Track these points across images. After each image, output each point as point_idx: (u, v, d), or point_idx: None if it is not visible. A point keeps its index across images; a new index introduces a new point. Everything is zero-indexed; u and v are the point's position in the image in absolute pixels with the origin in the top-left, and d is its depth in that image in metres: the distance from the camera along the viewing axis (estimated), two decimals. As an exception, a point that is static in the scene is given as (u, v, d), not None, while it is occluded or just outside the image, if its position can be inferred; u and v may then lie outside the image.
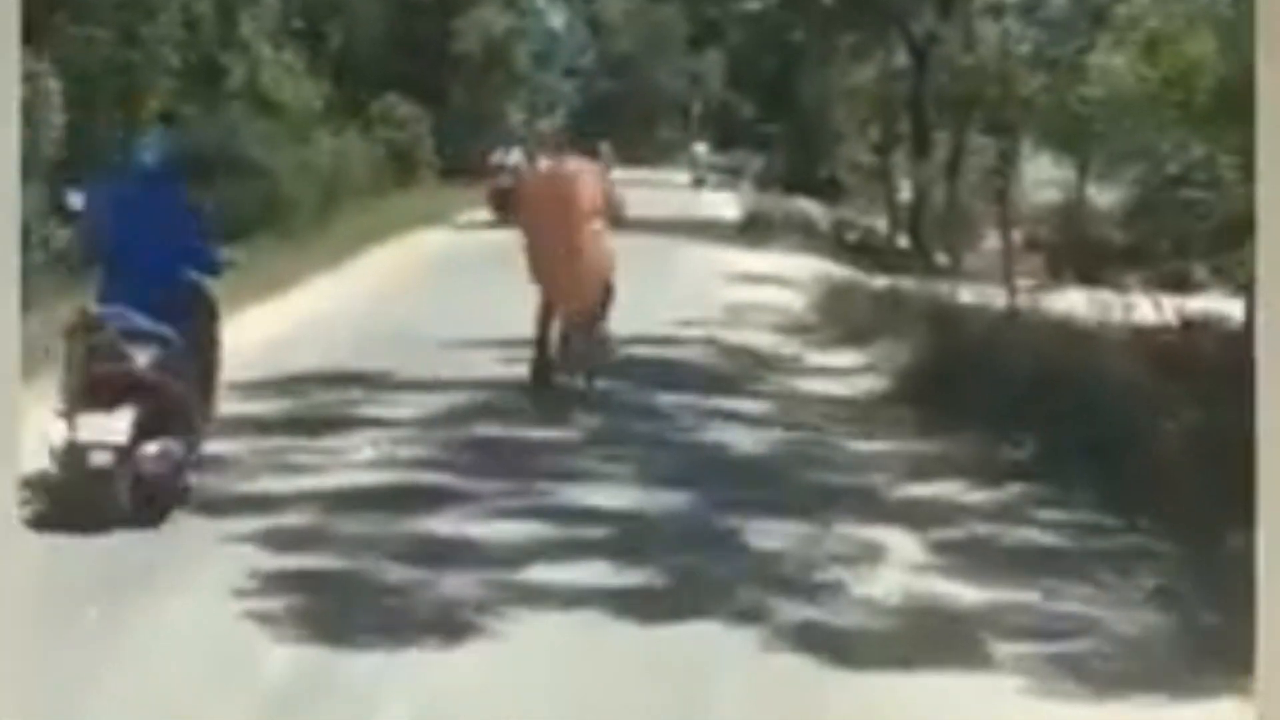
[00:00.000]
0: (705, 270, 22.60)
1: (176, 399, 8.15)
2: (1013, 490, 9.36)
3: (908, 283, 21.78)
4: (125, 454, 7.73)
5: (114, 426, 7.78)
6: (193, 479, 8.28)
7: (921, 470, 9.92)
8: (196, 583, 6.89)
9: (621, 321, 16.12)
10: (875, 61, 36.78)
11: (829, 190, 42.15)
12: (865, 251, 29.33)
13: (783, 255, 26.55)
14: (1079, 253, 33.36)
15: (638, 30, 72.68)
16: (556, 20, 66.77)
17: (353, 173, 37.61)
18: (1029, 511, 8.88)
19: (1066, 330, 16.61)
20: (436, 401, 11.54)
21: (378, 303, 18.46)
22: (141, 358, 8.07)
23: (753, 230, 31.47)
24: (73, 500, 7.63)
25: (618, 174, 45.79)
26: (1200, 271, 32.51)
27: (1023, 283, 29.24)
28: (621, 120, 69.83)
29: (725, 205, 41.16)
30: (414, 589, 6.84)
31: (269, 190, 34.20)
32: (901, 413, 11.95)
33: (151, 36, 29.25)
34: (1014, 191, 42.00)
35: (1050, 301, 19.94)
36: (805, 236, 30.53)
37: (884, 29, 32.11)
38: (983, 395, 11.54)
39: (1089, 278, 32.19)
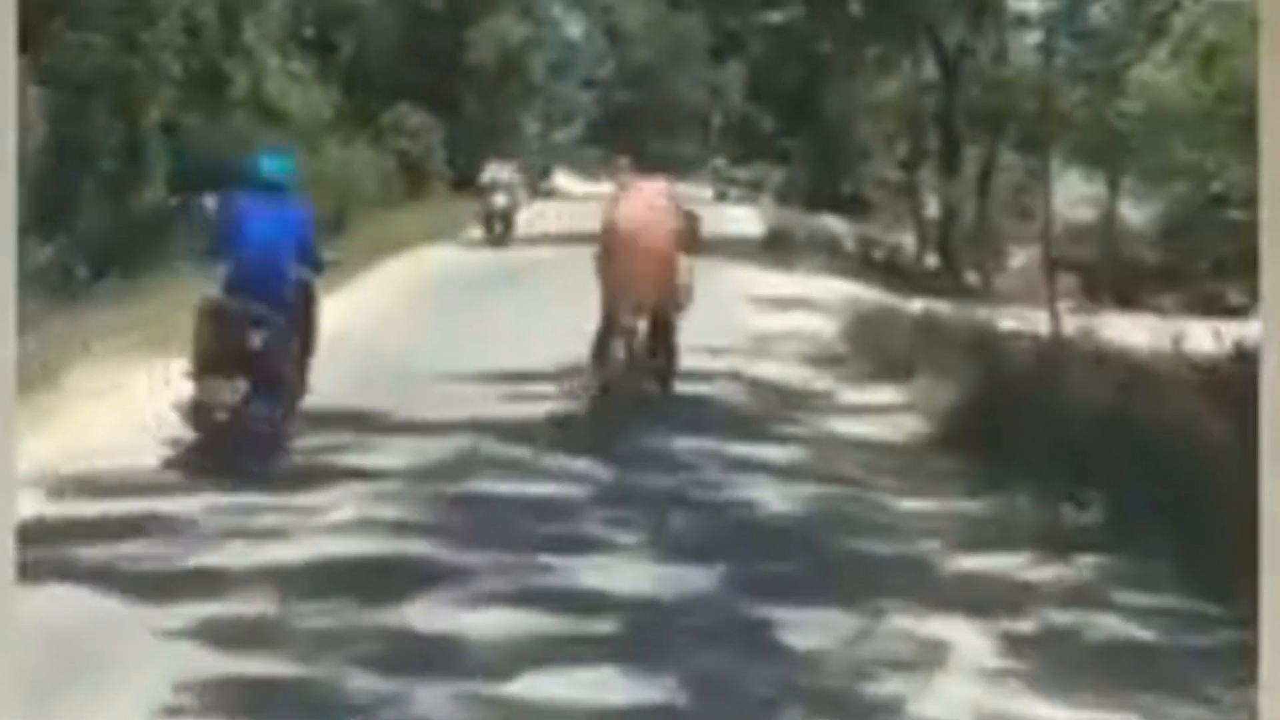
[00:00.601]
0: (728, 292, 21.30)
1: (279, 373, 10.04)
2: (1084, 564, 8.11)
3: (942, 307, 20.59)
4: (237, 413, 9.78)
5: (230, 391, 9.81)
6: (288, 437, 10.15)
7: (977, 537, 8.67)
8: (116, 689, 5.66)
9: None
10: (902, 74, 35.55)
11: (853, 206, 40.91)
12: (893, 271, 28.10)
13: (808, 275, 25.33)
14: (1114, 273, 32.11)
15: (658, 40, 71.45)
16: (574, 30, 65.57)
17: (362, 184, 36.45)
18: (1107, 593, 7.62)
19: (1119, 362, 15.40)
20: (433, 448, 10.33)
21: (378, 328, 17.27)
22: (255, 338, 9.93)
23: (776, 248, 30.27)
24: (194, 449, 9.73)
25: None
26: (1235, 294, 31.26)
27: (1059, 305, 28.10)
28: (640, 132, 68.65)
29: (747, 221, 39.95)
30: (379, 706, 5.61)
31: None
32: (948, 463, 10.71)
33: (152, 43, 28.16)
34: (1045, 209, 40.75)
35: (1094, 326, 18.71)
36: (830, 255, 29.33)
37: (913, 40, 30.88)
38: (1038, 442, 10.30)
39: (1126, 299, 30.93)
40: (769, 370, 14.55)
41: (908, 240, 38.58)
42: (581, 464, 10.04)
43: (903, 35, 31.49)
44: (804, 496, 9.41)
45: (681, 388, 13.02)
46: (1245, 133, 18.76)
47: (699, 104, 73.06)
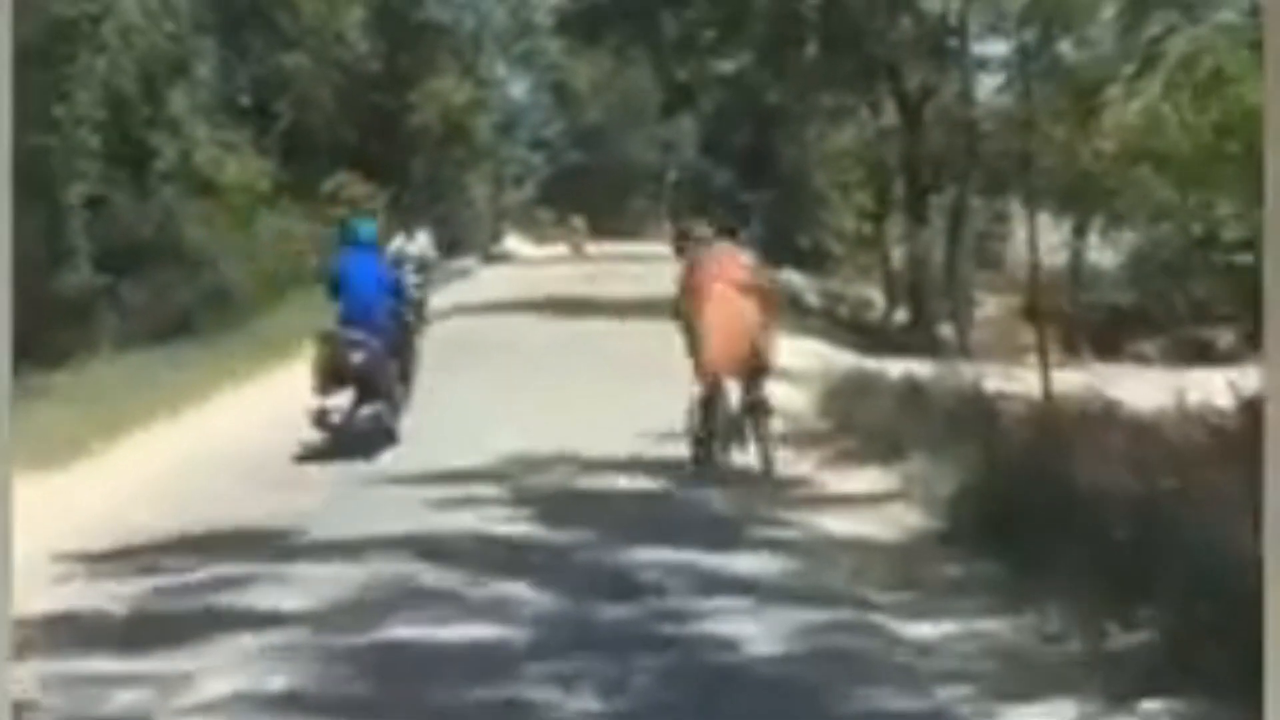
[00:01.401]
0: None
1: (378, 385, 13.11)
2: (1153, 714, 6.47)
3: (921, 370, 19.04)
4: (348, 416, 13.05)
5: (341, 400, 12.99)
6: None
7: (1013, 676, 7.03)
8: None
9: (591, 437, 13.43)
10: (858, 121, 34.14)
11: (814, 260, 39.39)
12: (862, 329, 26.53)
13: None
14: (1090, 321, 30.64)
15: (606, 99, 70.17)
16: (519, 90, 64.06)
17: (300, 258, 34.75)
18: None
19: (1126, 426, 13.86)
20: (352, 577, 8.64)
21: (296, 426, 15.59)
22: (356, 357, 13.02)
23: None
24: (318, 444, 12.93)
25: (592, 248, 43.20)
26: (1225, 339, 29.77)
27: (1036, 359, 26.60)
28: (593, 192, 67.35)
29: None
30: None
31: (208, 279, 31.47)
32: (958, 568, 9.08)
33: (67, 118, 26.56)
34: (1008, 255, 39.36)
35: (1089, 383, 17.24)
36: (794, 312, 27.74)
37: (871, 84, 29.42)
38: (1060, 538, 8.70)
39: (1104, 348, 29.44)
40: (739, 454, 12.85)
41: (873, 294, 37.09)
42: (524, 590, 8.36)
43: (861, 79, 30.05)
44: (794, 628, 7.72)
45: (639, 484, 11.41)
46: (1240, 169, 17.23)
47: (651, 161, 71.77)
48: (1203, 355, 27.66)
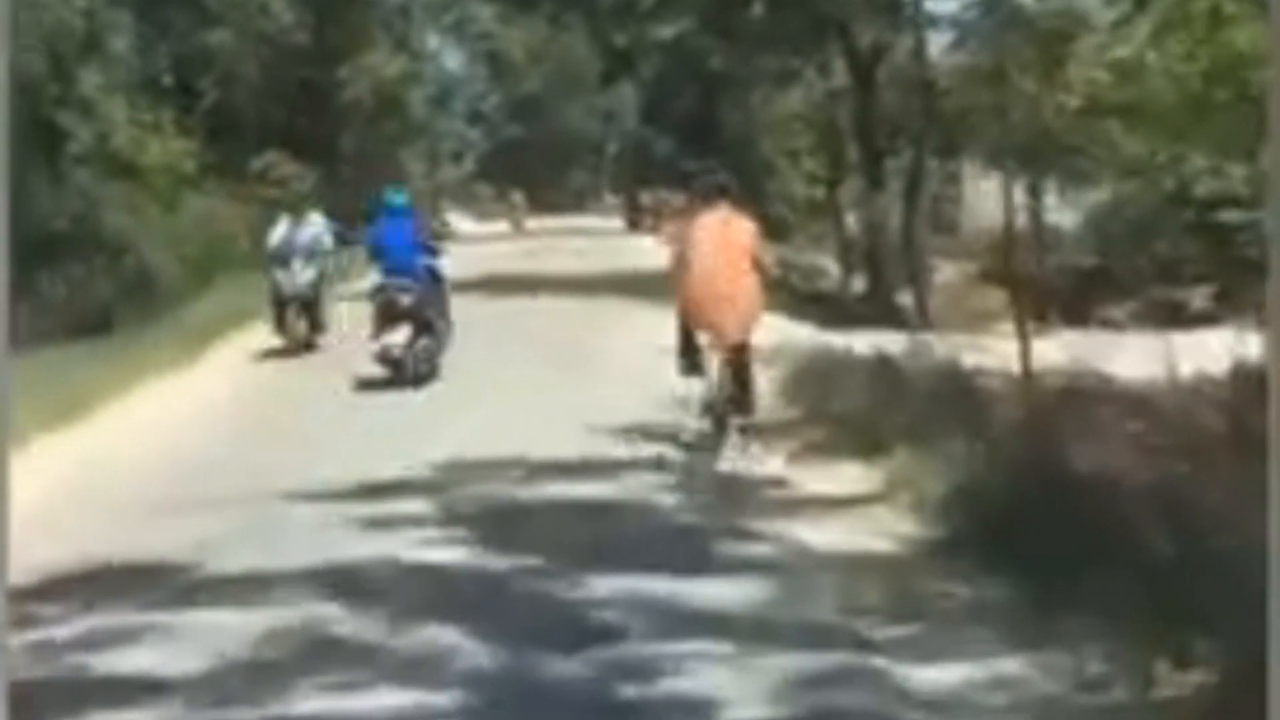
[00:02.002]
0: (640, 343, 18.39)
1: (426, 320, 15.79)
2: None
3: (888, 343, 17.76)
4: (405, 349, 15.59)
5: (398, 336, 15.63)
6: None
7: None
8: None
9: (536, 435, 12.11)
10: (805, 83, 32.81)
11: (762, 228, 37.96)
12: (819, 299, 25.23)
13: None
14: (1056, 286, 29.40)
15: (543, 69, 68.63)
16: (453, 62, 62.26)
17: (229, 242, 33.21)
18: None
19: (1124, 403, 12.64)
20: (245, 628, 7.26)
21: (227, 419, 14.20)
22: (405, 300, 15.75)
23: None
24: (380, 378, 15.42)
25: (533, 224, 41.66)
26: (1198, 298, 28.57)
27: (1005, 328, 25.35)
28: (532, 165, 65.88)
29: (651, 252, 37.13)
30: None
31: (130, 268, 29.93)
32: (964, 587, 7.78)
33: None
34: (962, 219, 38.12)
35: (1061, 353, 16.02)
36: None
37: (821, 44, 28.06)
38: (1077, 544, 7.44)
39: (1071, 314, 28.22)
40: (704, 454, 11.51)
41: (827, 262, 35.84)
42: (456, 638, 7.01)
43: (810, 39, 28.69)
44: (780, 680, 6.38)
45: (589, 491, 10.06)
46: (1229, 118, 15.98)
47: (591, 132, 70.30)
48: (1174, 318, 26.43)
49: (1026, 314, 27.20)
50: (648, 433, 12.21)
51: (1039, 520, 8.01)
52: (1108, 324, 26.76)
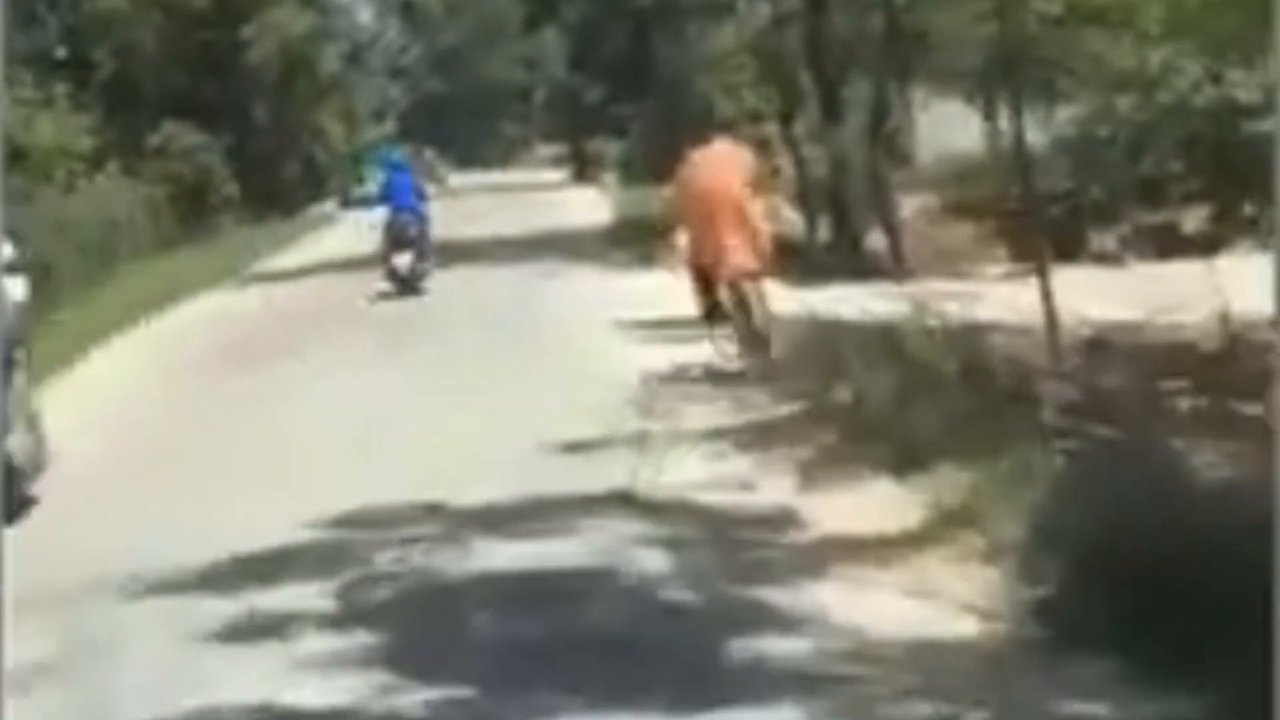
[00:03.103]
0: (588, 319, 15.87)
1: (425, 247, 20.26)
2: None
3: (875, 297, 15.26)
4: (410, 266, 19.86)
5: (405, 257, 19.89)
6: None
7: None
8: None
9: (472, 465, 9.54)
10: (746, 13, 30.20)
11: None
12: (783, 252, 22.67)
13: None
14: (1040, 217, 26.89)
15: (464, 20, 65.67)
16: (366, 16, 59.05)
17: (126, 225, 30.36)
18: None
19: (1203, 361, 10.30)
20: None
21: (95, 466, 11.48)
22: (412, 230, 20.04)
23: (629, 240, 24.75)
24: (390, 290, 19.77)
25: (455, 180, 38.35)
26: (1190, 223, 26.16)
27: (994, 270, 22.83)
28: (458, 120, 62.98)
29: (590, 206, 34.48)
30: None
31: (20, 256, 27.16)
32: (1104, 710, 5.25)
33: None
34: (916, 150, 35.37)
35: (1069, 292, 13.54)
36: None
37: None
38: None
39: (1062, 248, 25.79)
40: (682, 476, 8.92)
41: (779, 206, 33.26)
42: None
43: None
44: None
45: (545, 554, 7.48)
46: (1235, 19, 13.56)
47: (517, 81, 67.43)
48: (1172, 245, 23.94)
49: (994, 250, 24.72)
50: (607, 445, 9.65)
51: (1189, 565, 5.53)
52: (1103, 258, 24.28)
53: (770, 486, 8.67)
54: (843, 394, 10.30)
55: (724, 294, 12.15)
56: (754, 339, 12.03)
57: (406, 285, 19.69)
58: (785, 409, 10.60)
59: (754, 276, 12.22)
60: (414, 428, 10.83)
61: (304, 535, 7.94)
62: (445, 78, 66.91)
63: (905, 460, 8.44)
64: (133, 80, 38.81)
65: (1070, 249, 24.85)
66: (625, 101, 48.72)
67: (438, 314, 18.25)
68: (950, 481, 7.81)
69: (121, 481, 10.06)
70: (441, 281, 20.53)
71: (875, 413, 9.44)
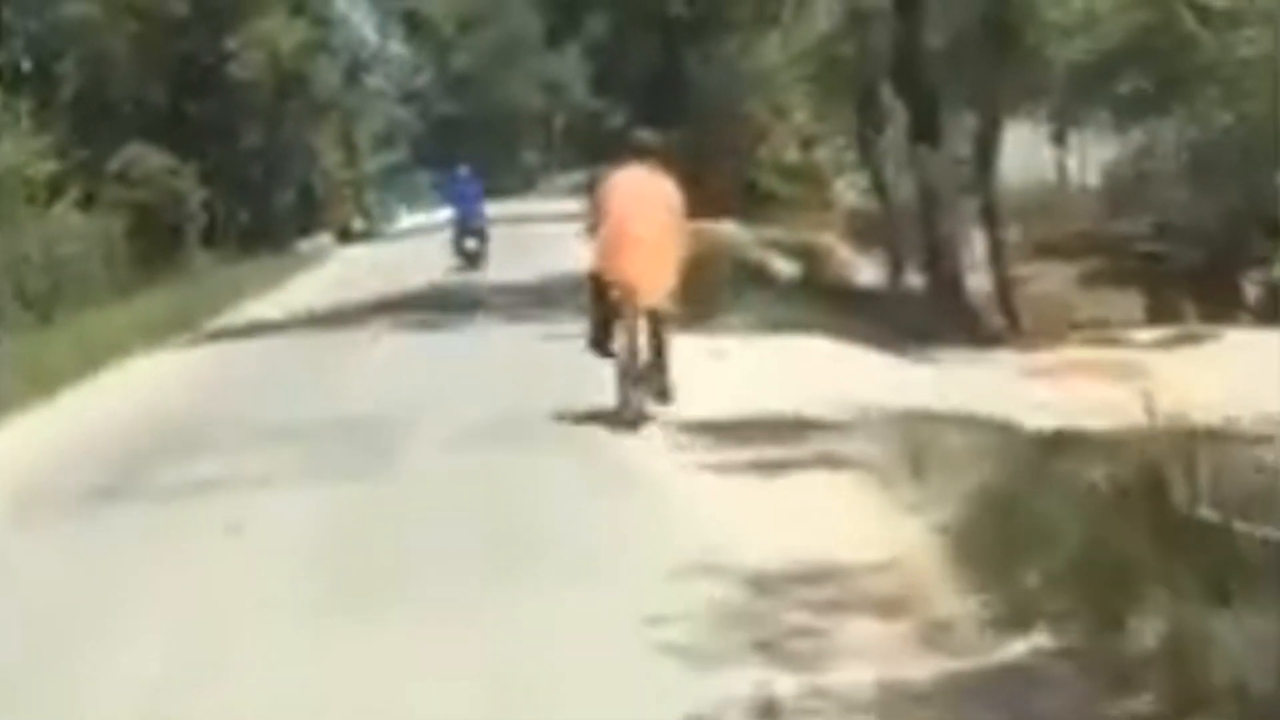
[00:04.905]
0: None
1: (483, 235, 26.49)
2: None
3: (1022, 387, 10.74)
4: (475, 249, 26.23)
5: (472, 241, 26.35)
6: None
7: None
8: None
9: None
10: (807, 19, 25.60)
11: (755, 209, 30.75)
12: (859, 304, 18.09)
13: (751, 335, 14.93)
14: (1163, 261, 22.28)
15: (479, 38, 61.31)
16: (368, 30, 54.16)
17: (77, 263, 25.83)
18: None
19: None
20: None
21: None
22: (474, 223, 26.54)
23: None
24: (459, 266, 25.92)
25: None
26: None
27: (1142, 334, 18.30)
28: (472, 145, 58.43)
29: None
30: None
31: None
32: None
33: None
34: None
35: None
36: (756, 282, 19.09)
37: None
38: None
39: (1200, 295, 21.20)
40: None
41: (831, 242, 28.77)
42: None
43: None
44: None
45: None
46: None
47: (536, 105, 63.05)
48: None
49: (1159, 301, 19.86)
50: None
51: None
52: (1262, 313, 19.65)
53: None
54: (1034, 576, 5.71)
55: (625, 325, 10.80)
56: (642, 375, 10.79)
57: (472, 261, 25.73)
58: (953, 604, 5.99)
59: (656, 317, 10.87)
60: None
61: None
62: (459, 100, 62.52)
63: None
64: (103, 95, 34.44)
65: (1219, 301, 20.20)
66: (653, 125, 44.01)
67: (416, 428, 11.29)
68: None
69: None
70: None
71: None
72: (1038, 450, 8.56)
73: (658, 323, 10.71)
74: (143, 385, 15.80)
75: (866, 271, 28.61)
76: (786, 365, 12.57)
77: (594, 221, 11.23)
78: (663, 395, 10.69)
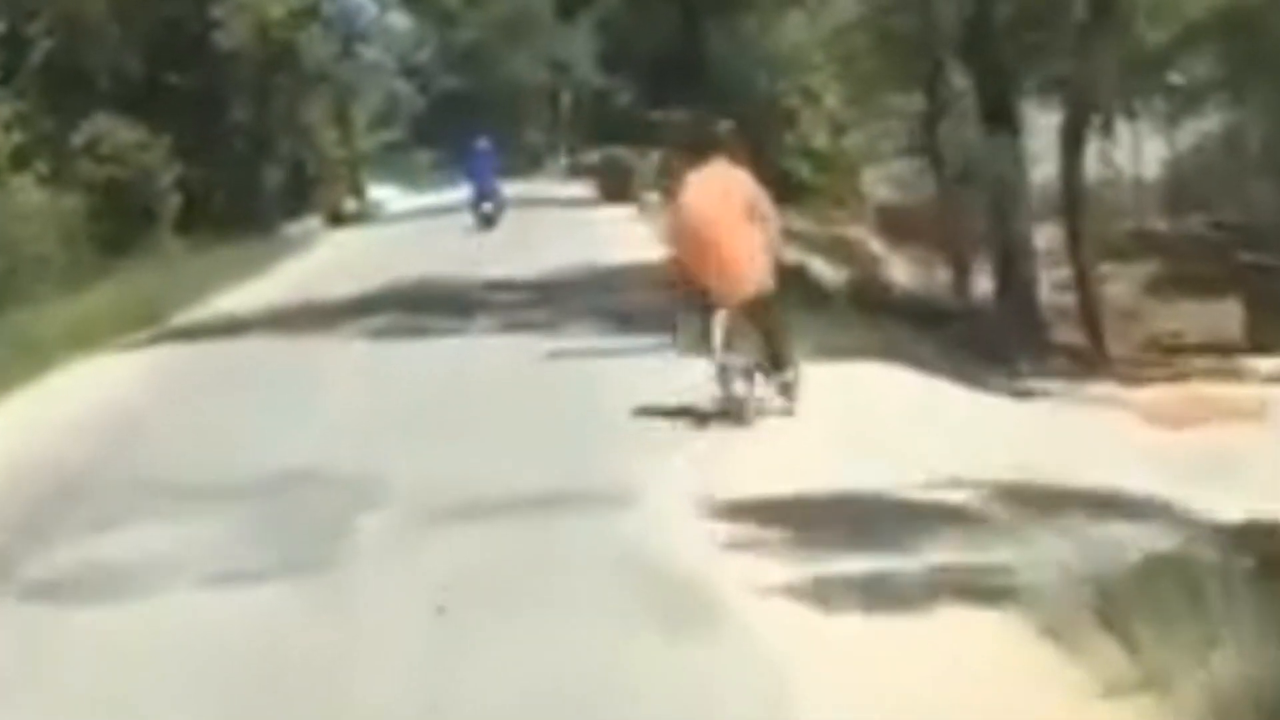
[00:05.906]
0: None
1: (502, 199, 30.16)
2: None
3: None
4: (489, 212, 29.54)
5: (488, 205, 29.51)
6: None
7: None
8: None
9: None
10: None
11: (788, 200, 28.08)
12: (920, 318, 15.49)
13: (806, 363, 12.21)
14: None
15: (484, 11, 58.64)
16: None
17: (31, 247, 23.22)
18: None
19: None
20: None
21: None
22: (488, 189, 29.77)
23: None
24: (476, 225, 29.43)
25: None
26: None
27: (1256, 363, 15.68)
28: (475, 124, 55.65)
29: (632, 231, 26.95)
30: None
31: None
32: None
33: None
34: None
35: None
36: (800, 288, 16.39)
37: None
38: None
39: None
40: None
41: (871, 243, 26.14)
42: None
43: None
44: None
45: None
46: None
47: (543, 82, 60.40)
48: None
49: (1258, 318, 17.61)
50: None
51: None
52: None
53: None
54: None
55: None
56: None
57: (488, 221, 28.57)
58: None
59: (757, 304, 10.44)
60: None
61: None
62: (463, 77, 59.82)
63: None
64: (76, 61, 31.88)
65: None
66: (664, 106, 41.35)
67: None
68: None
69: None
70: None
71: None
72: (1254, 560, 5.95)
73: (759, 312, 10.32)
74: (63, 408, 13.10)
75: (899, 269, 26.11)
76: (859, 409, 9.94)
77: (671, 223, 11.07)
78: (785, 390, 10.32)
